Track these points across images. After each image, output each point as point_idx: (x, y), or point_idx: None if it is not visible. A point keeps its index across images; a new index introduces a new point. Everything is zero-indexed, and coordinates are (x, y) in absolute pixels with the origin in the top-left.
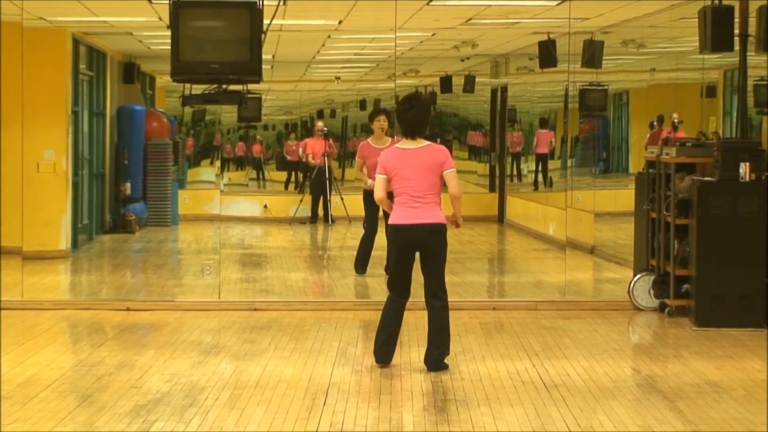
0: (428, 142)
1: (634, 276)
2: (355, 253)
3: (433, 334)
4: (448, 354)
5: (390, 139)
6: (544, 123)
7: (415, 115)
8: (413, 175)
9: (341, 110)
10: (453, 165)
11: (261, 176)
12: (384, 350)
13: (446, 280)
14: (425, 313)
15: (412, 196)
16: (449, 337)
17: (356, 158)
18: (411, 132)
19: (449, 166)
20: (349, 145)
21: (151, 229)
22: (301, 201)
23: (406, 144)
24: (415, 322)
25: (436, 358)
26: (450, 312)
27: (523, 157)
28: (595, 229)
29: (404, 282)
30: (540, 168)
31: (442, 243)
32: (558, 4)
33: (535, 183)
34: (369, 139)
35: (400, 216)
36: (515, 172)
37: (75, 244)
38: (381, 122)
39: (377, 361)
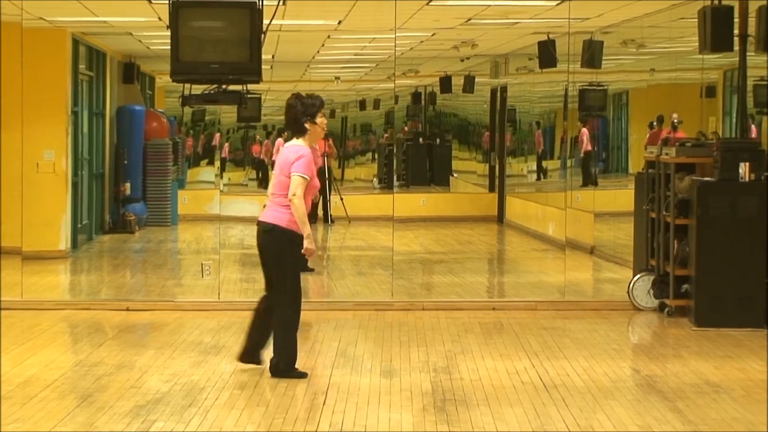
0: (296, 142)
1: (634, 276)
2: (354, 253)
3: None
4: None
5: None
6: (584, 122)
7: (285, 116)
8: (275, 172)
9: (341, 110)
10: (300, 168)
11: (261, 176)
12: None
13: (446, 279)
14: (425, 313)
15: (270, 193)
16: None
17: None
18: (290, 131)
19: (294, 170)
20: (349, 145)
21: (150, 229)
22: None
23: (287, 143)
24: (415, 323)
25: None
26: (450, 312)
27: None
28: (594, 229)
29: (265, 282)
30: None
31: (273, 243)
32: (558, 4)
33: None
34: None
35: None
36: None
37: (75, 244)
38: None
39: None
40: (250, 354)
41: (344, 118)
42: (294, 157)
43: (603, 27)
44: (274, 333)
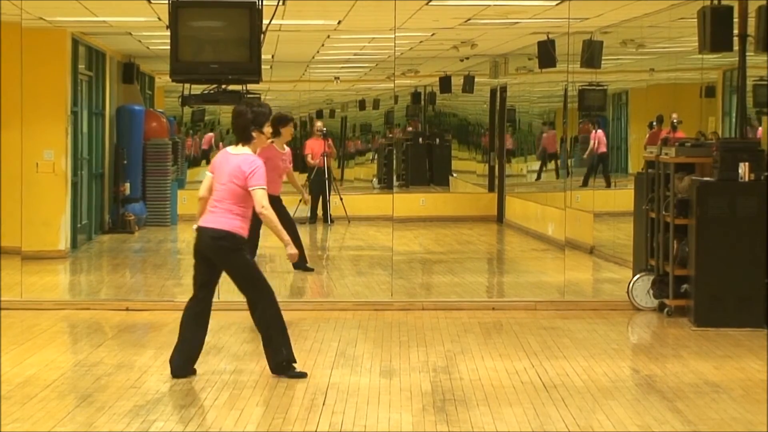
0: (243, 150)
1: (634, 276)
2: (354, 253)
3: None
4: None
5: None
6: (599, 124)
7: (233, 122)
8: (221, 179)
9: (340, 110)
10: (260, 181)
11: None
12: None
13: (445, 279)
14: (424, 313)
15: (215, 199)
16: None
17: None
18: (236, 138)
19: (255, 183)
20: (349, 145)
21: (150, 229)
22: (300, 201)
23: (232, 149)
24: (414, 323)
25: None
26: (449, 312)
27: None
28: (594, 229)
29: (195, 283)
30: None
31: (228, 249)
32: (557, 4)
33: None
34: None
35: (201, 218)
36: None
37: (74, 244)
38: (292, 129)
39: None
40: (185, 366)
41: (344, 118)
42: (248, 169)
43: (603, 27)
44: (267, 332)
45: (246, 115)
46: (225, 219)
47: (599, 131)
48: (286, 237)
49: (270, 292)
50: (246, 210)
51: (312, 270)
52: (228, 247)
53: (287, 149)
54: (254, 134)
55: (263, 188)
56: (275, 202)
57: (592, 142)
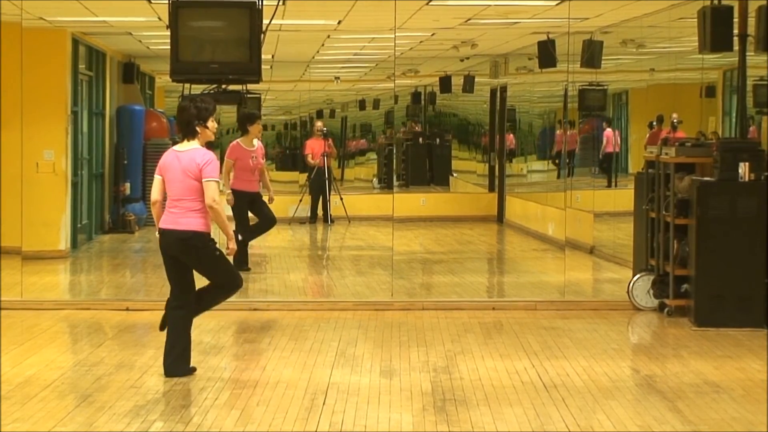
0: (194, 145)
1: (634, 276)
2: (354, 253)
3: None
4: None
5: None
6: (608, 122)
7: (177, 118)
8: (175, 176)
9: (341, 110)
10: (214, 174)
11: None
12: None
13: (445, 279)
14: (424, 313)
15: (172, 199)
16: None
17: (226, 158)
18: (181, 133)
19: (208, 175)
20: (349, 145)
21: (150, 229)
22: (301, 201)
23: (179, 147)
24: (415, 322)
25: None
26: (449, 312)
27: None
28: (594, 229)
29: (172, 287)
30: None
31: (198, 248)
32: (557, 4)
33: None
34: (240, 140)
35: (162, 220)
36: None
37: (74, 244)
38: (259, 126)
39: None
40: (183, 366)
41: (344, 118)
42: (202, 161)
43: (603, 27)
44: (212, 296)
45: (189, 110)
46: (188, 219)
47: (608, 130)
48: (230, 232)
49: (239, 280)
50: (205, 204)
51: (250, 270)
52: (197, 246)
53: (258, 144)
54: (198, 129)
55: (216, 181)
56: (255, 199)
57: (605, 141)
